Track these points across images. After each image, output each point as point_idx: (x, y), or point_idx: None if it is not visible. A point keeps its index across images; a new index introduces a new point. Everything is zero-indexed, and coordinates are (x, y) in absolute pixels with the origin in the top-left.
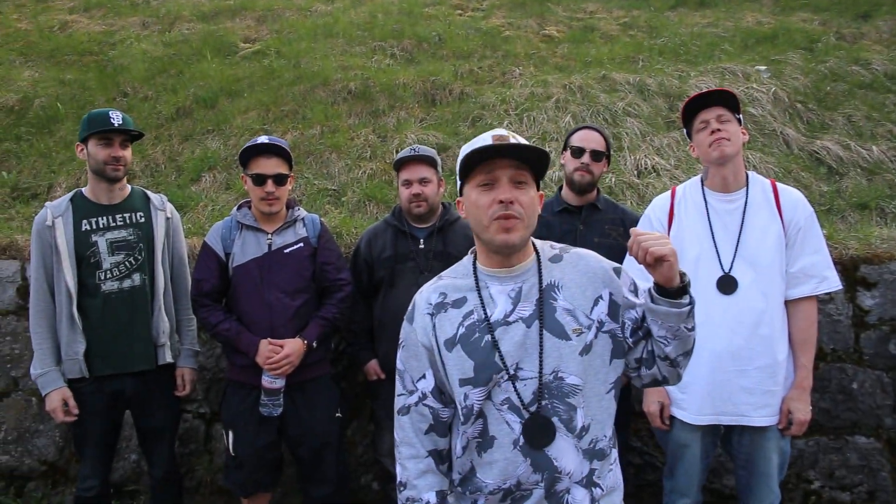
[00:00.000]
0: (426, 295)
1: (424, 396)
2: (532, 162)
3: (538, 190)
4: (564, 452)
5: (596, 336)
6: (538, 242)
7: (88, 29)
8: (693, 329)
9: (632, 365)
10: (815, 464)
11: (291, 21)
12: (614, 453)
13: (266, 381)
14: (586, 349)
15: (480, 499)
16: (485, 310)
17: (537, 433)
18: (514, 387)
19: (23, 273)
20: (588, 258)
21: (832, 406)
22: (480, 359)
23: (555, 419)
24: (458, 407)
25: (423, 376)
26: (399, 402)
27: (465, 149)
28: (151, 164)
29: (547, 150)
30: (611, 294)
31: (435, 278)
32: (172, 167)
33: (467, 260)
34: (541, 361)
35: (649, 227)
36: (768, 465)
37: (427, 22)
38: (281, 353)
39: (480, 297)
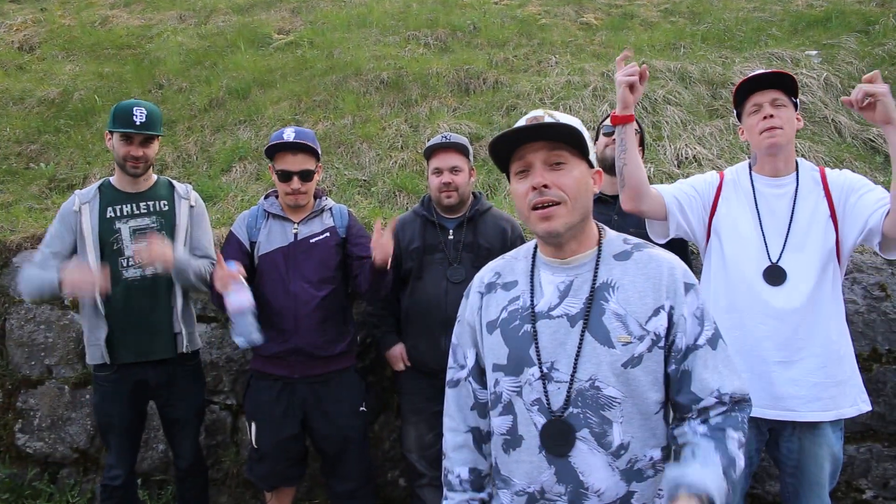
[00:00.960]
0: (483, 273)
1: (468, 374)
2: (568, 139)
3: (591, 166)
4: (594, 468)
5: (650, 350)
6: (610, 234)
7: (127, 23)
8: None
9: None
10: (867, 472)
11: (325, 12)
12: None
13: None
14: (632, 362)
15: (508, 497)
16: (532, 298)
17: (555, 437)
18: (545, 387)
19: None
20: (660, 262)
21: (887, 411)
22: (516, 348)
23: (585, 431)
24: (488, 390)
25: (467, 354)
26: (449, 374)
27: None
28: (183, 154)
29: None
30: (671, 308)
31: (500, 256)
32: (204, 158)
33: (533, 242)
34: (575, 365)
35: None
36: (820, 473)
37: (461, 11)
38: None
39: (531, 283)
